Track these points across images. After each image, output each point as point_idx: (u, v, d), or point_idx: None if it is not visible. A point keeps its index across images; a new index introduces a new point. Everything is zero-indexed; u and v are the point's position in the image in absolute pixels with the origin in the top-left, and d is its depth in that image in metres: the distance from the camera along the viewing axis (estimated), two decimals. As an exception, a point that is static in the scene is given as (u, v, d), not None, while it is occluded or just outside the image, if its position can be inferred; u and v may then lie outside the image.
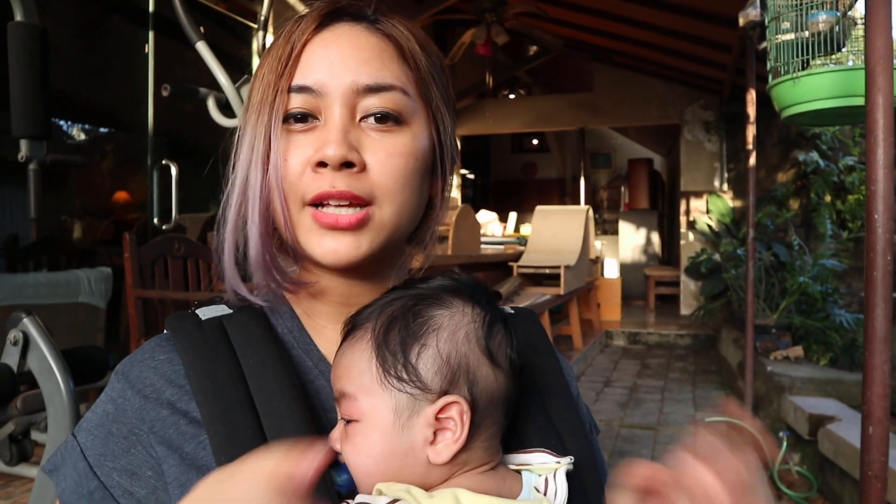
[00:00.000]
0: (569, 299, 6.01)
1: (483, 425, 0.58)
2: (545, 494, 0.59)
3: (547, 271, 5.65)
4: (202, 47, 2.06)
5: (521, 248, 6.37)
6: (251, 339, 0.62)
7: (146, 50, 4.63)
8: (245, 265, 0.65)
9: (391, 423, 0.56)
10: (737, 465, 0.47)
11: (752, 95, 4.37)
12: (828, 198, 6.73)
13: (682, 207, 8.34)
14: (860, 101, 1.69)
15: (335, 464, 0.57)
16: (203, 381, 0.59)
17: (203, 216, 5.34)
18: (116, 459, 0.59)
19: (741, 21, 3.31)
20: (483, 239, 6.29)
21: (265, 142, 0.61)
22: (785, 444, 3.56)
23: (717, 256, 7.11)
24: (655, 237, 10.63)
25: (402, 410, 0.56)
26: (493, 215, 7.81)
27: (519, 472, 0.61)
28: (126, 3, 4.83)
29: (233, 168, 0.65)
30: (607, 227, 11.96)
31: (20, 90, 1.62)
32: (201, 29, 2.27)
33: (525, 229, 8.19)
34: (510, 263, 5.79)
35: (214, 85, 2.31)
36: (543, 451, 0.62)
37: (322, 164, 0.60)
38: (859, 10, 2.31)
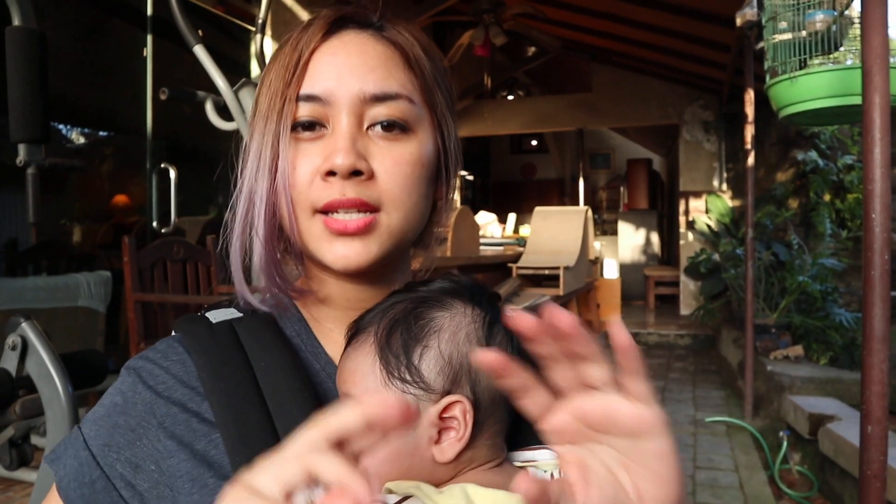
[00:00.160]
0: (568, 300, 6.01)
1: (486, 423, 0.59)
2: None
3: (546, 272, 5.65)
4: (200, 51, 2.06)
5: (521, 249, 6.36)
6: (262, 342, 0.63)
7: (145, 53, 4.63)
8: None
9: None
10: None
11: (750, 95, 4.37)
12: (827, 197, 6.73)
13: (682, 207, 8.34)
14: (858, 101, 1.69)
15: None
16: (216, 382, 0.60)
17: (202, 219, 5.34)
18: (121, 451, 0.59)
19: (738, 21, 3.32)
20: (482, 240, 6.29)
21: (273, 149, 0.62)
22: (785, 443, 3.56)
23: (716, 256, 7.11)
24: (655, 237, 10.63)
25: None
26: (493, 216, 7.81)
27: (525, 468, 0.62)
28: (124, 7, 4.83)
29: (240, 174, 0.66)
30: (606, 228, 11.95)
31: (18, 94, 1.62)
32: (199, 32, 2.27)
33: (524, 230, 8.19)
34: (509, 265, 5.79)
35: (213, 88, 2.31)
36: (548, 448, 0.62)
37: (331, 173, 0.60)
38: (856, 8, 2.31)
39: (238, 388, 0.59)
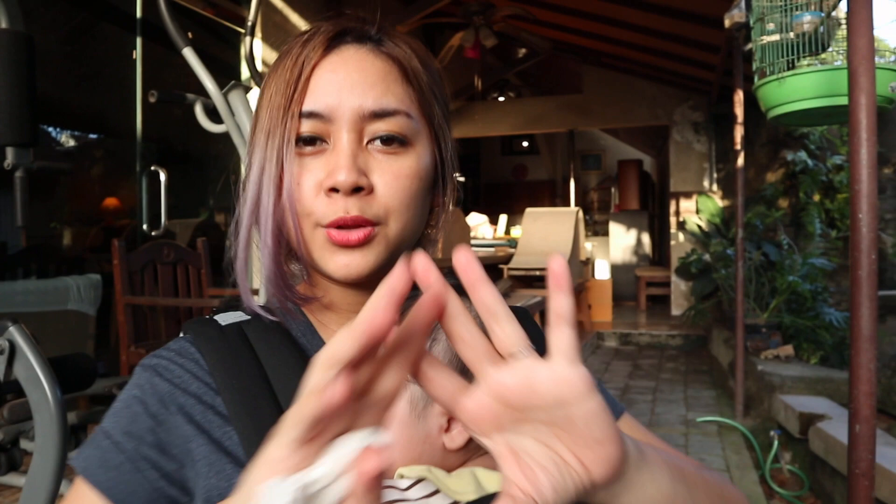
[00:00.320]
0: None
1: None
2: None
3: (537, 273, 5.66)
4: (189, 53, 2.06)
5: (512, 250, 6.37)
6: (270, 342, 0.66)
7: (134, 56, 4.62)
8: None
9: (407, 413, 0.60)
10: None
11: (739, 96, 4.40)
12: (816, 197, 6.77)
13: (672, 208, 8.37)
14: (845, 101, 1.71)
15: None
16: (228, 379, 0.62)
17: (193, 221, 5.32)
18: (144, 436, 0.61)
19: (727, 23, 3.34)
20: (473, 242, 6.29)
21: (278, 165, 0.64)
22: (776, 442, 3.57)
23: (707, 256, 7.13)
24: (646, 238, 10.66)
25: (417, 401, 0.61)
26: (484, 218, 7.82)
27: None
28: (113, 9, 4.81)
29: (243, 187, 0.68)
30: (598, 229, 11.98)
31: (6, 97, 1.61)
32: (189, 35, 2.26)
33: (516, 232, 8.20)
34: (500, 266, 5.79)
35: (203, 91, 2.31)
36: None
37: (334, 189, 0.63)
38: (843, 10, 2.33)
39: (250, 384, 0.62)
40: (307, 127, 0.64)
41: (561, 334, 0.42)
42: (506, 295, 5.31)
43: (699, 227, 7.85)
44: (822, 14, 2.36)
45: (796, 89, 2.25)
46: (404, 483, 0.57)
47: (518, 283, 5.80)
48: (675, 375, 5.80)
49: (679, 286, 8.26)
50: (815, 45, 2.36)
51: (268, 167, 0.64)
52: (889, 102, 2.20)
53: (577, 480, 0.42)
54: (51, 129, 4.51)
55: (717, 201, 7.91)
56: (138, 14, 4.61)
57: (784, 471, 3.49)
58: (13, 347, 1.49)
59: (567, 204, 10.53)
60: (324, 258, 0.65)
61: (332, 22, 0.68)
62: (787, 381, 4.01)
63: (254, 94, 3.12)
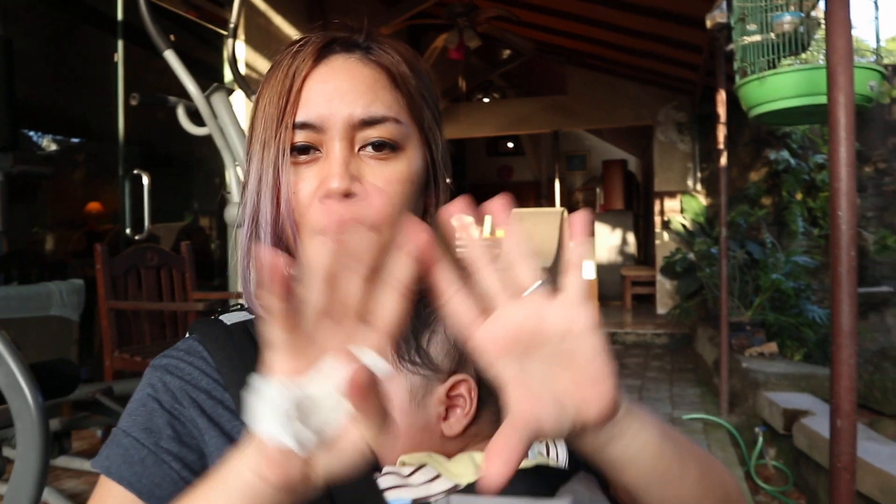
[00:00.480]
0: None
1: (489, 401, 0.65)
2: (548, 457, 0.66)
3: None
4: (170, 56, 2.05)
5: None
6: None
7: (116, 59, 4.59)
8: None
9: (407, 402, 0.63)
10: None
11: (722, 96, 4.43)
12: (799, 195, 6.83)
13: (657, 207, 8.41)
14: (825, 100, 1.73)
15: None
16: (235, 375, 0.65)
17: (177, 225, 5.29)
18: (162, 430, 0.64)
19: (708, 23, 3.36)
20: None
21: (274, 175, 0.67)
22: (761, 439, 3.60)
23: (691, 255, 7.18)
24: (631, 237, 10.71)
25: (416, 391, 0.63)
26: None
27: None
28: (95, 12, 4.77)
29: (240, 197, 0.73)
30: (584, 229, 11.98)
31: (-16, 101, 1.60)
32: (171, 38, 2.25)
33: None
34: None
35: (185, 94, 2.30)
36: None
37: (328, 196, 0.65)
38: (822, 9, 2.35)
39: None
40: (301, 137, 0.66)
41: (572, 278, 0.47)
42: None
43: (683, 226, 7.90)
44: (802, 14, 2.39)
45: (777, 88, 2.27)
46: (406, 470, 0.60)
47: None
48: (660, 374, 5.82)
49: (664, 285, 8.30)
50: (796, 45, 2.38)
51: (265, 177, 0.67)
52: (868, 101, 2.23)
53: (574, 416, 0.46)
54: (32, 133, 4.47)
55: (702, 200, 7.96)
56: (119, 17, 4.58)
57: (769, 467, 3.52)
58: (-6, 353, 1.47)
59: (552, 205, 10.55)
60: None
61: (321, 32, 0.70)
62: (771, 378, 4.05)
63: (237, 97, 3.10)
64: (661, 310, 8.22)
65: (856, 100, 1.47)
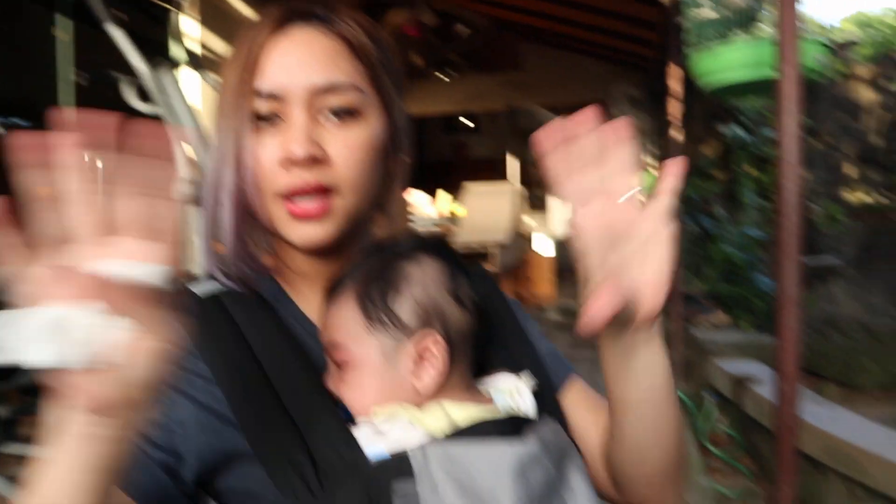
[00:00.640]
0: (502, 276, 6.07)
1: (457, 358, 0.68)
2: (519, 410, 0.69)
3: (479, 249, 5.69)
4: (113, 30, 1.99)
5: (456, 228, 6.39)
6: (246, 306, 0.71)
7: (57, 34, 4.43)
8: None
9: (379, 361, 0.66)
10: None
11: (675, 71, 4.48)
12: (751, 170, 6.96)
13: (613, 182, 8.49)
14: (772, 73, 1.77)
15: None
16: (209, 343, 0.66)
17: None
18: None
19: (662, -2, 3.38)
20: (415, 219, 6.28)
21: (236, 142, 0.69)
22: (711, 405, 3.69)
23: (646, 229, 7.27)
24: (588, 213, 10.79)
25: (387, 349, 0.66)
26: (427, 196, 7.81)
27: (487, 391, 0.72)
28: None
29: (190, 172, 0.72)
30: (540, 204, 12.08)
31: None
32: (122, 16, 2.19)
33: (460, 210, 8.21)
34: (445, 244, 5.80)
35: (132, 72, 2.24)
36: (506, 373, 0.73)
37: (290, 162, 0.67)
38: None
39: (231, 346, 0.67)
40: (262, 106, 0.68)
41: (663, 200, 0.56)
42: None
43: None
44: (751, -11, 2.43)
45: (728, 60, 2.31)
46: (380, 418, 0.63)
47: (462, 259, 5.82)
48: (617, 346, 5.92)
49: (620, 259, 8.40)
50: (747, 20, 2.43)
51: (227, 145, 0.69)
52: (818, 74, 2.28)
53: (633, 307, 0.56)
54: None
55: (655, 175, 8.07)
56: (62, -11, 4.42)
57: (719, 432, 3.62)
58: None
59: (508, 181, 10.59)
60: (286, 229, 0.70)
61: (281, 7, 0.71)
62: (722, 347, 4.15)
63: (184, 72, 3.03)
64: (617, 283, 8.33)
65: (805, 73, 1.51)
